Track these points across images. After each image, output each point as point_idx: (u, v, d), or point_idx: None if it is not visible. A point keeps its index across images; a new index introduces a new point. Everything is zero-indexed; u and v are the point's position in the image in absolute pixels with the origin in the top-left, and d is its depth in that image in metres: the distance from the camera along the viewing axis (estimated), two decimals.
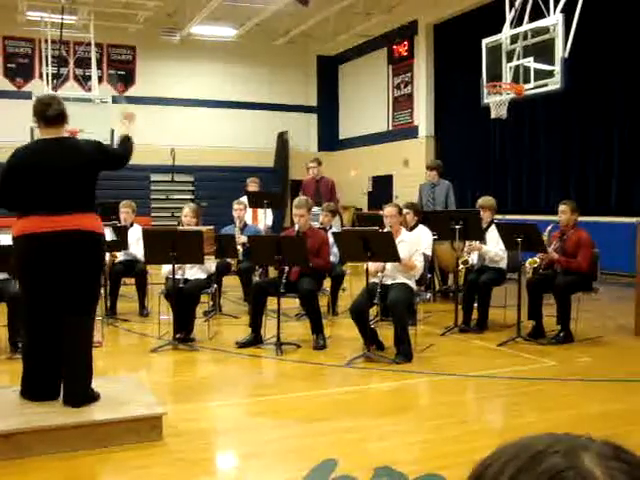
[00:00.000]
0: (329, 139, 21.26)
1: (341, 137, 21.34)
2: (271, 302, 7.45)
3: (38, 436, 4.25)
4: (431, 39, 17.43)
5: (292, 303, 8.25)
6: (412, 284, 6.94)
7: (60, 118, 4.71)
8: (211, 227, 7.68)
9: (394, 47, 18.65)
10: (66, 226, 4.49)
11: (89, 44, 16.46)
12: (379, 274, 6.81)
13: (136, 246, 8.68)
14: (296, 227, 7.57)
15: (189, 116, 19.70)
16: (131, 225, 9.23)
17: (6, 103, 17.53)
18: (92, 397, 4.64)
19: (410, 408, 5.51)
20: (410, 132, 17.99)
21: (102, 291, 8.30)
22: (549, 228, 7.76)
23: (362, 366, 6.42)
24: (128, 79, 19.54)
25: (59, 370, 4.62)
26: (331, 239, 8.00)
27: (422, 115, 17.61)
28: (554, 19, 8.71)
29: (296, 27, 18.17)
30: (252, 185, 11.39)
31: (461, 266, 8.13)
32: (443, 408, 5.34)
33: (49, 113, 4.65)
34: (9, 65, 18.47)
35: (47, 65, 15.74)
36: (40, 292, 4.61)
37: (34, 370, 4.67)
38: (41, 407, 4.56)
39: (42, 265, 4.52)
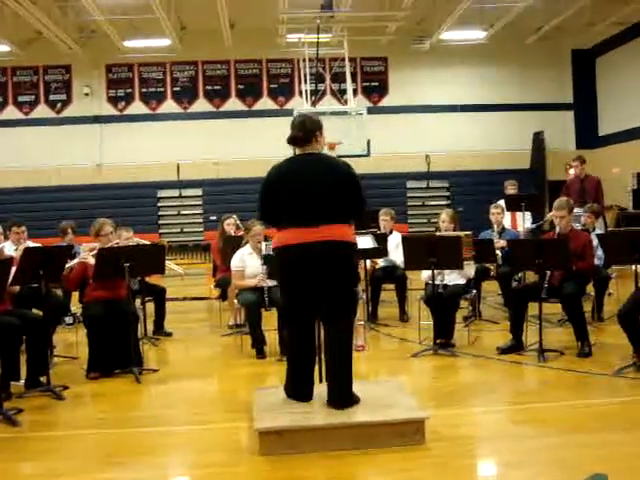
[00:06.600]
0: (588, 136, 20.25)
1: (601, 133, 20.26)
2: (532, 307, 7.28)
3: (306, 434, 4.51)
4: None
5: (554, 308, 7.99)
6: None
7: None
8: (469, 232, 7.66)
9: None
10: (323, 237, 4.75)
11: (343, 59, 17.13)
12: None
13: (395, 252, 8.89)
14: (557, 229, 7.36)
15: (441, 121, 19.75)
16: (390, 232, 9.45)
17: (270, 121, 18.69)
18: (354, 400, 4.85)
19: None
20: None
21: (364, 297, 8.62)
22: None
23: (632, 376, 6.07)
24: (381, 90, 20.03)
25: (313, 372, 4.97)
26: (595, 241, 7.68)
27: None
28: None
29: (548, 22, 17.51)
30: (510, 188, 11.28)
31: None
32: None
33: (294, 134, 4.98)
34: (272, 86, 19.76)
35: (305, 82, 16.61)
36: (300, 298, 4.93)
37: (297, 371, 4.98)
38: (308, 407, 4.84)
39: (301, 274, 4.84)
